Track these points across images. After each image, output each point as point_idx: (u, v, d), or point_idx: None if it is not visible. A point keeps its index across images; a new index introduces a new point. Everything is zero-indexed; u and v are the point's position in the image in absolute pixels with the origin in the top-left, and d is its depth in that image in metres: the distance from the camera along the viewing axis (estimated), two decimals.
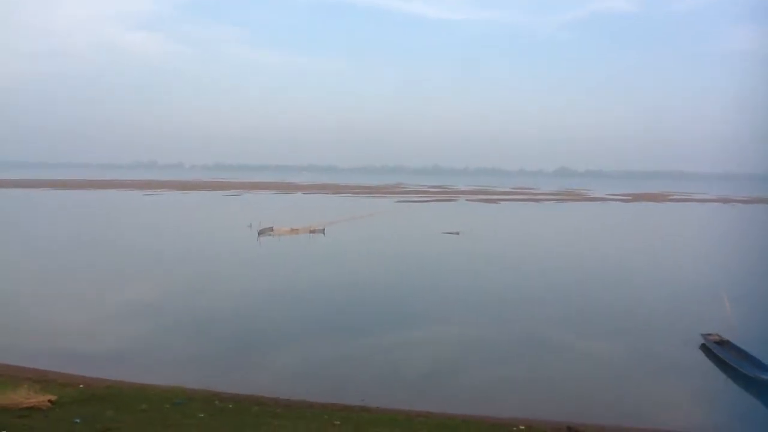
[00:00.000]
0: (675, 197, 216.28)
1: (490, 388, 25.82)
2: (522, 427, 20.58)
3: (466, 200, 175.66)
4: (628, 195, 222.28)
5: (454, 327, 35.43)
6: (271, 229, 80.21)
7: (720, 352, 29.70)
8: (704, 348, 31.32)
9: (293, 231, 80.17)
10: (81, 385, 23.39)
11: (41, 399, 19.74)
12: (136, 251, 63.98)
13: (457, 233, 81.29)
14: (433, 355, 30.03)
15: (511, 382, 26.74)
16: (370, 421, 20.30)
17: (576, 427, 20.54)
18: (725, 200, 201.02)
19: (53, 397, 20.16)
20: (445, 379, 26.68)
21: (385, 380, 26.55)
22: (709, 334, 31.74)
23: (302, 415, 20.88)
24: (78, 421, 18.34)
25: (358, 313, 38.57)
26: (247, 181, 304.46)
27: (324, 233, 79.94)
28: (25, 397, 19.62)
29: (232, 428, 18.64)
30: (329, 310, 39.18)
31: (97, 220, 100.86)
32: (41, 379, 23.63)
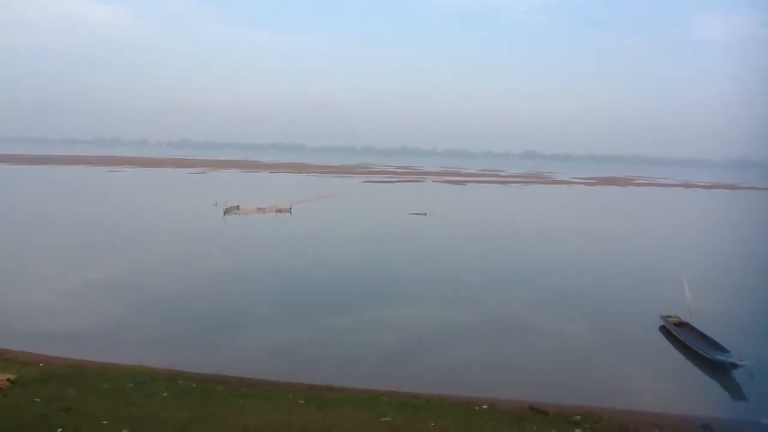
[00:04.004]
0: (638, 181, 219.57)
1: (454, 368, 26.02)
2: (485, 406, 20.81)
3: (433, 182, 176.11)
4: (593, 179, 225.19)
5: (418, 308, 35.60)
6: (237, 207, 79.63)
7: (679, 334, 30.37)
8: (664, 330, 32.01)
9: (259, 210, 79.66)
10: (41, 364, 23.01)
11: (0, 378, 19.39)
12: (98, 229, 63.01)
13: (424, 214, 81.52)
14: (397, 335, 30.15)
15: (475, 362, 26.98)
16: (335, 400, 20.33)
17: (538, 406, 20.83)
18: (687, 185, 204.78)
19: (12, 377, 19.81)
20: (410, 359, 26.84)
21: (350, 360, 26.61)
22: (669, 316, 32.45)
23: (267, 394, 20.85)
24: (38, 400, 18.06)
25: (323, 293, 38.51)
26: (212, 159, 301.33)
27: (291, 212, 79.55)
28: None
29: (197, 407, 18.52)
30: (294, 289, 39.09)
31: (57, 196, 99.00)
32: (0, 358, 23.22)
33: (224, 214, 75.70)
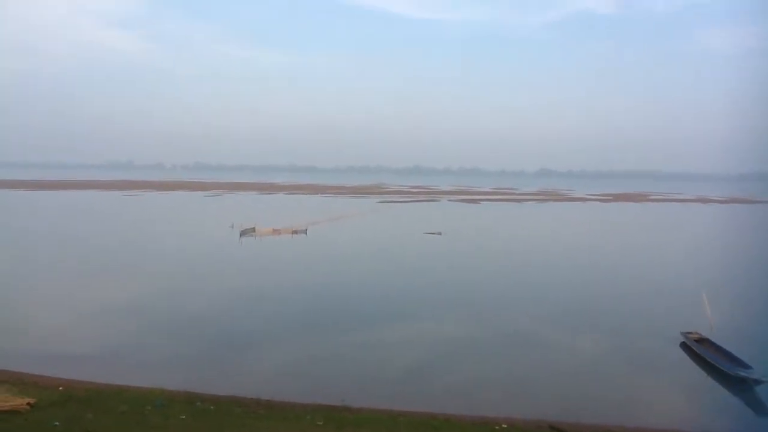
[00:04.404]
0: (654, 197, 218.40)
1: (473, 387, 25.85)
2: (504, 426, 20.63)
3: (448, 201, 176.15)
4: (608, 195, 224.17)
5: (435, 326, 35.46)
6: (253, 229, 79.93)
7: (700, 350, 30.02)
8: (684, 346, 31.64)
9: (275, 232, 79.92)
10: (60, 388, 23.10)
11: (20, 402, 19.49)
12: (116, 252, 63.38)
13: (440, 233, 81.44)
14: (414, 354, 30.00)
15: (493, 381, 26.79)
16: (353, 421, 20.25)
17: (558, 425, 20.63)
18: (703, 200, 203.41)
19: (32, 400, 19.92)
20: (427, 378, 26.68)
21: (367, 380, 26.52)
22: (689, 332, 32.09)
23: (285, 416, 20.80)
24: (57, 424, 18.13)
25: (340, 313, 38.42)
26: (228, 181, 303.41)
27: (306, 234, 79.74)
28: (3, 400, 19.38)
29: (214, 430, 18.52)
30: (311, 310, 39.03)
31: (75, 221, 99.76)
32: (19, 382, 23.33)
33: (240, 236, 76.03)
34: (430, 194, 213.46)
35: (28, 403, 19.59)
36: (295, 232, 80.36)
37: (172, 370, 27.09)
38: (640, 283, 51.12)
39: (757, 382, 25.27)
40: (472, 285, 48.80)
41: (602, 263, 62.52)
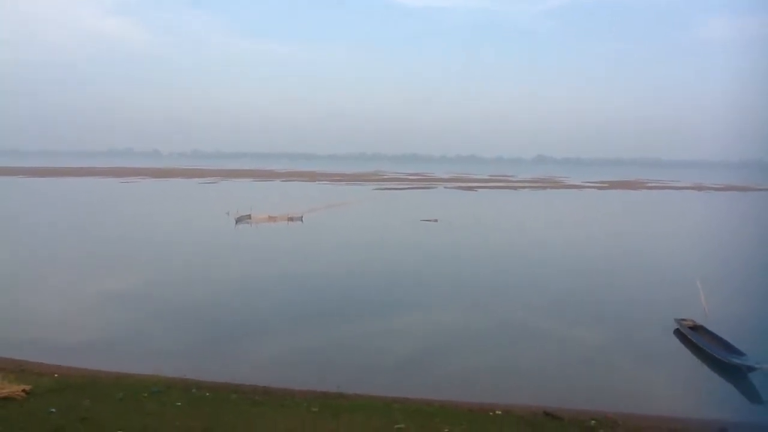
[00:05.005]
0: (650, 185, 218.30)
1: (468, 375, 25.94)
2: (499, 412, 20.74)
3: (444, 188, 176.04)
4: (604, 182, 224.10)
5: (431, 314, 35.53)
6: (249, 216, 79.86)
7: (694, 337, 30.14)
8: (678, 333, 31.78)
9: (271, 219, 79.91)
10: (56, 375, 23.16)
11: (16, 389, 19.52)
12: (111, 239, 63.33)
13: (436, 221, 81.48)
14: (410, 342, 30.06)
15: (489, 369, 26.87)
16: (348, 407, 20.33)
17: (552, 411, 20.75)
18: (699, 187, 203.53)
19: (28, 387, 19.95)
20: (423, 366, 26.78)
21: (363, 367, 26.58)
22: (683, 320, 32.20)
23: (281, 402, 20.87)
24: (53, 410, 18.18)
25: (336, 301, 38.47)
26: (224, 168, 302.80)
27: (302, 221, 79.73)
28: None
29: (211, 416, 18.59)
30: (306, 298, 39.09)
31: (71, 208, 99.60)
32: (16, 369, 23.39)
33: (236, 223, 76.00)
34: (426, 181, 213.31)
35: (24, 390, 19.62)
36: (290, 219, 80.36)
37: (169, 357, 27.13)
38: (632, 270, 51.18)
39: (751, 369, 25.38)
40: (468, 273, 48.83)
41: (595, 250, 62.59)
